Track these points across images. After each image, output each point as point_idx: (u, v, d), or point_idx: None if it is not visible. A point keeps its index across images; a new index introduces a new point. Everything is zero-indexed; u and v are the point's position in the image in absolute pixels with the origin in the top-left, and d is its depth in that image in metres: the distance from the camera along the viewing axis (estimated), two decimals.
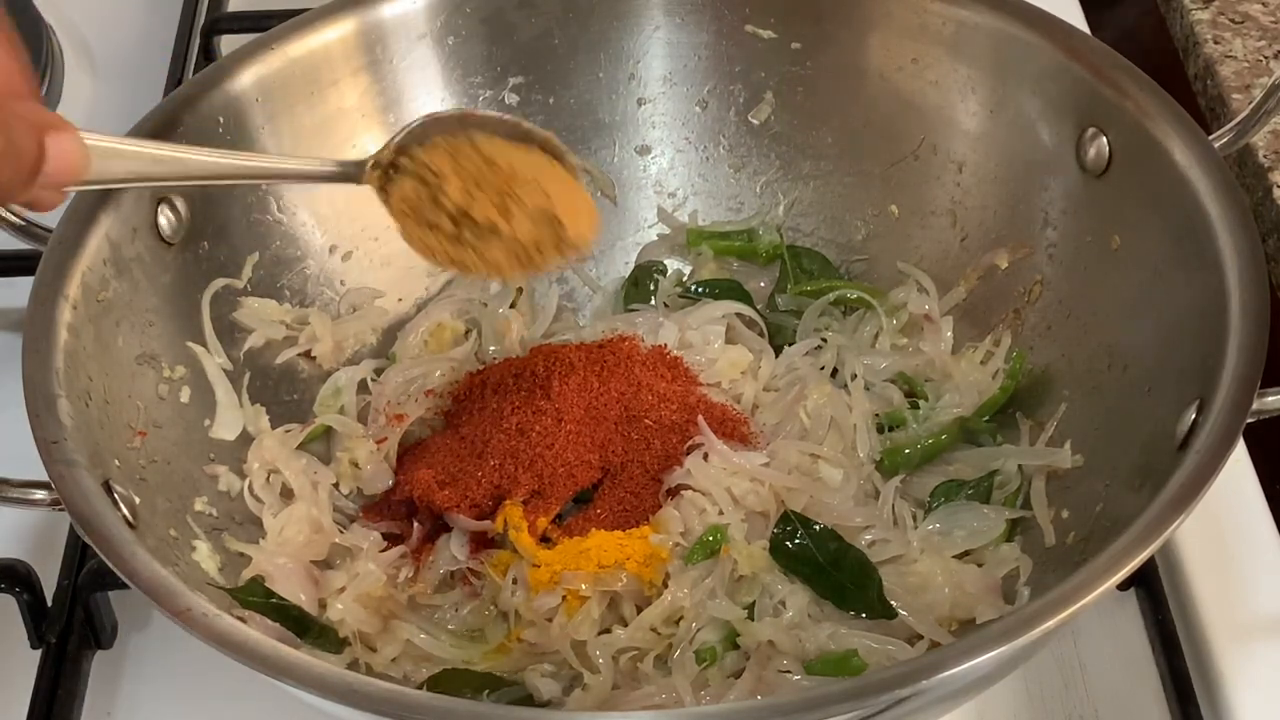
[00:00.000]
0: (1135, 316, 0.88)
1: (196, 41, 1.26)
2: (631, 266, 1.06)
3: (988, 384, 0.94)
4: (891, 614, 0.82)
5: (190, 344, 0.90)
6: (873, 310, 0.98)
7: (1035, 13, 0.95)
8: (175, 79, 1.22)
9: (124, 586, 0.71)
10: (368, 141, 0.98)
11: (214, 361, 0.91)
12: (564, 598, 0.84)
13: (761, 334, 0.99)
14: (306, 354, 0.97)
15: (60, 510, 0.73)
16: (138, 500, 0.77)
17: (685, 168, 1.06)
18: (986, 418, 0.93)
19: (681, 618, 0.83)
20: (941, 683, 0.65)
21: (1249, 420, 0.74)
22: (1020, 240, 0.96)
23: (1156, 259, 0.86)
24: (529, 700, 0.82)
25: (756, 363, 0.97)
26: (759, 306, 1.02)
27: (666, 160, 1.05)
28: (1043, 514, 0.87)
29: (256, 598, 0.83)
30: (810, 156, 1.04)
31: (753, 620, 0.83)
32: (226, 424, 0.91)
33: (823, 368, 0.97)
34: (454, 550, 0.88)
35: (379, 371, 0.97)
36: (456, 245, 0.82)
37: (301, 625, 0.83)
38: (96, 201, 0.85)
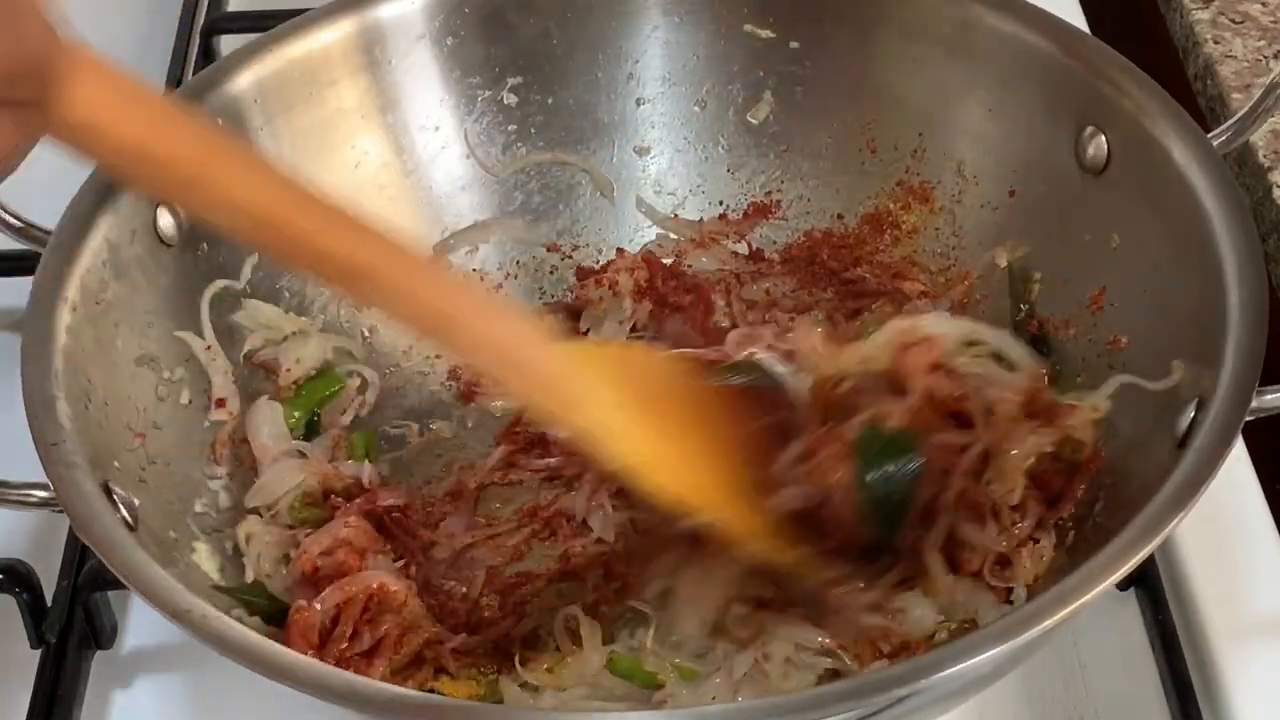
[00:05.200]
0: (1134, 314, 0.88)
1: (196, 41, 1.26)
2: None
3: None
4: None
5: (188, 344, 0.90)
6: None
7: (1034, 11, 0.95)
8: (175, 79, 1.22)
9: (124, 587, 0.71)
10: (367, 143, 0.99)
11: (214, 363, 0.91)
12: None
13: None
14: None
15: (59, 512, 0.74)
16: (137, 502, 0.77)
17: (684, 168, 1.05)
18: None
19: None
20: (940, 682, 0.65)
21: (1248, 418, 0.74)
22: (1019, 239, 0.96)
23: (1155, 257, 0.86)
24: None
25: None
26: None
27: (665, 160, 1.05)
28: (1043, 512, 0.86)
29: (258, 599, 0.83)
30: (809, 156, 1.04)
31: None
32: None
33: None
34: None
35: None
36: None
37: None
38: (95, 203, 0.85)
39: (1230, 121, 0.90)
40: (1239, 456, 0.95)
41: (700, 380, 0.86)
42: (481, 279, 1.03)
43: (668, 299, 1.00)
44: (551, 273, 1.04)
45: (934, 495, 0.83)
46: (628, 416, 0.76)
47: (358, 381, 0.96)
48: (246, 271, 0.94)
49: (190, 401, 0.89)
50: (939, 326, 0.89)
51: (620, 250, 1.04)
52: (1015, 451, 0.84)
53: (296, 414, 0.93)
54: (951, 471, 0.83)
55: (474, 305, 0.77)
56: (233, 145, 0.74)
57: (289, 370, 0.94)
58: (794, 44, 1.02)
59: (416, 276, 0.74)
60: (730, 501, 0.79)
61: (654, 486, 0.75)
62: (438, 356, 1.00)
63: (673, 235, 1.05)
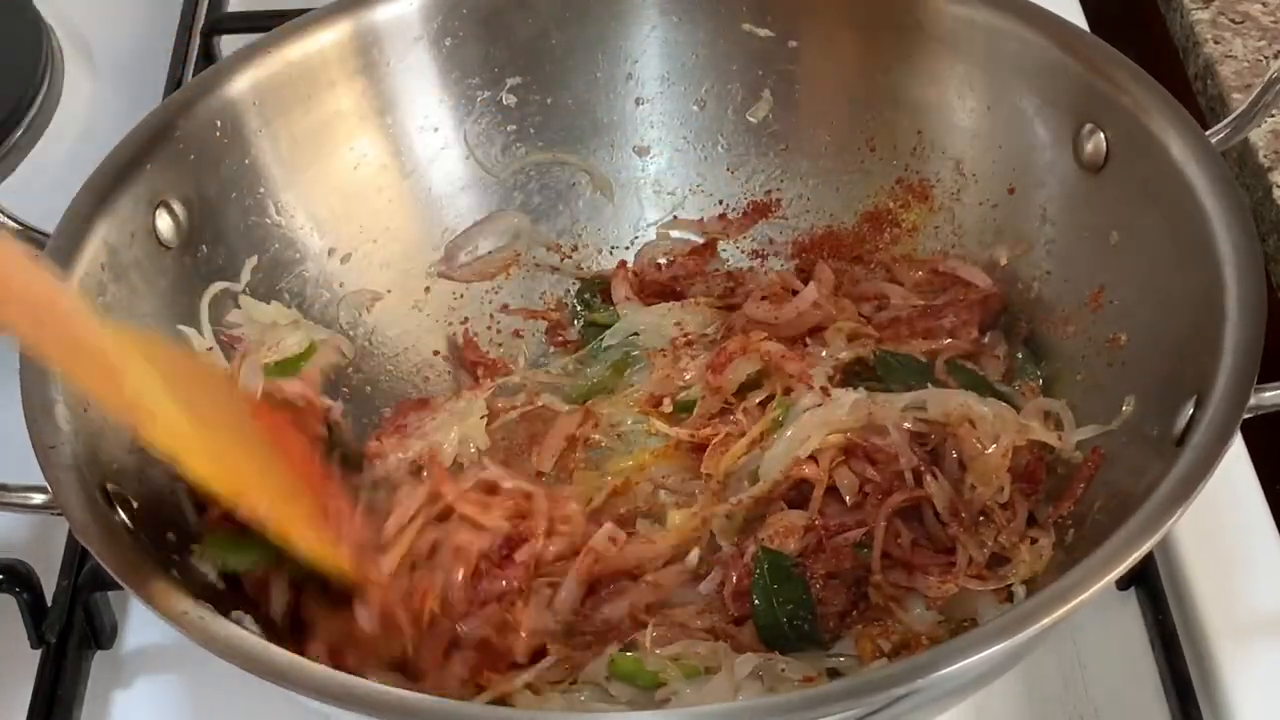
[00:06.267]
0: (1133, 312, 0.88)
1: (196, 42, 1.26)
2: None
3: None
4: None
5: (189, 342, 0.90)
6: None
7: (1033, 9, 0.95)
8: (175, 80, 1.23)
9: (124, 587, 0.71)
10: (365, 145, 0.99)
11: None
12: None
13: None
14: None
15: (58, 514, 0.74)
16: (136, 504, 0.77)
17: (684, 167, 1.05)
18: None
19: None
20: (939, 681, 0.65)
21: (1246, 415, 0.74)
22: (1019, 237, 0.96)
23: (1154, 254, 0.86)
24: None
25: None
26: None
27: (665, 160, 1.05)
28: (1041, 511, 0.86)
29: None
30: (809, 154, 1.04)
31: None
32: None
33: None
34: None
35: None
36: None
37: None
38: (93, 206, 0.85)
39: (1229, 119, 0.90)
40: (1238, 454, 0.95)
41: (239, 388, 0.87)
42: (481, 279, 1.03)
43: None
44: (552, 273, 1.05)
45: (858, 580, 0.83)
46: (171, 400, 0.75)
47: (326, 360, 0.95)
48: (245, 274, 0.94)
49: None
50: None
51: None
52: (991, 450, 0.84)
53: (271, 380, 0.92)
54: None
55: (15, 262, 0.73)
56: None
57: (269, 349, 0.93)
58: (793, 43, 1.02)
59: None
60: (274, 499, 0.78)
61: (193, 471, 0.74)
62: (436, 353, 1.00)
63: (673, 234, 1.05)
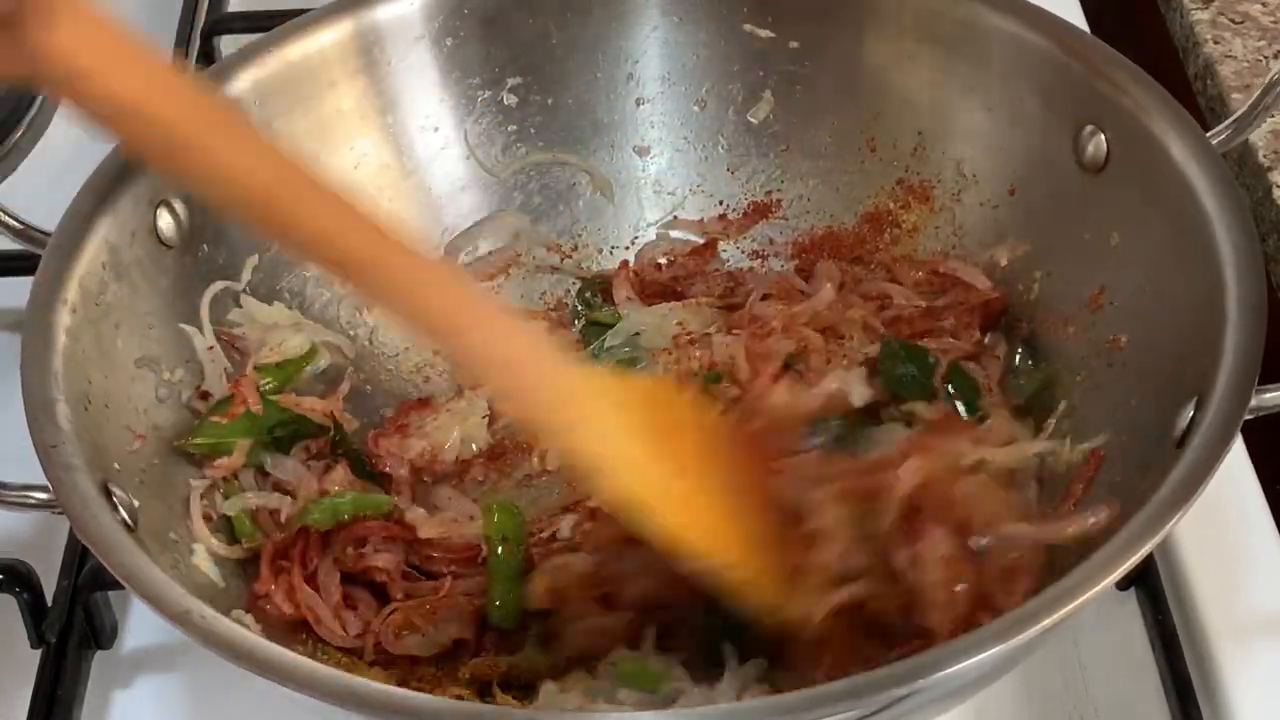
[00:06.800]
0: (1134, 313, 0.88)
1: (196, 42, 1.26)
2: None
3: None
4: None
5: (189, 345, 0.90)
6: None
7: (1034, 10, 0.95)
8: None
9: (124, 587, 0.71)
10: (366, 145, 0.99)
11: (214, 364, 0.91)
12: None
13: None
14: None
15: (59, 513, 0.74)
16: (137, 503, 0.77)
17: (684, 167, 1.05)
18: None
19: None
20: (939, 681, 0.65)
21: (1247, 417, 0.74)
22: (1019, 237, 0.96)
23: (1155, 255, 0.86)
24: None
25: None
26: None
27: (665, 160, 1.05)
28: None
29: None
30: (809, 155, 1.03)
31: None
32: None
33: None
34: None
35: None
36: None
37: None
38: (94, 205, 0.85)
39: (1229, 120, 0.90)
40: (1239, 456, 0.95)
41: (731, 425, 0.84)
42: (481, 279, 1.03)
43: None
44: (551, 273, 1.05)
45: None
46: (638, 447, 0.72)
47: (326, 361, 0.95)
48: (247, 273, 0.94)
49: (191, 403, 0.89)
50: None
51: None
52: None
53: (272, 381, 0.92)
54: None
55: (483, 312, 0.74)
56: (234, 117, 0.72)
57: (271, 351, 0.93)
58: (793, 43, 1.02)
59: (422, 275, 0.72)
60: (747, 556, 0.74)
61: (658, 527, 0.71)
62: (436, 353, 1.00)
63: (673, 234, 1.05)
